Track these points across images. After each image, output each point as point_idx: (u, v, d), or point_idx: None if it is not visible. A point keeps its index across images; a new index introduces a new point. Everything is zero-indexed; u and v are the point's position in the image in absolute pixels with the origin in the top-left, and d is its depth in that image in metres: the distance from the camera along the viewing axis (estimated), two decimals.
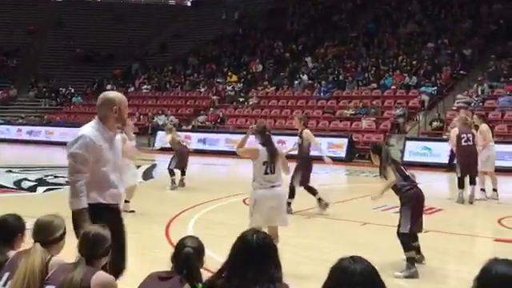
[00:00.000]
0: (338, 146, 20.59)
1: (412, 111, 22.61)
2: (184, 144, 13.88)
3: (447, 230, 9.25)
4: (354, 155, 20.59)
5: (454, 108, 21.12)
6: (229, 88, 28.78)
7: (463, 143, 11.41)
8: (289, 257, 7.15)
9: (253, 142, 6.82)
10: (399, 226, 6.77)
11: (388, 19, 30.08)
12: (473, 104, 21.28)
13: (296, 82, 27.26)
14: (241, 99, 27.35)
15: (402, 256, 7.02)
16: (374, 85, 24.90)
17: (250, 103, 26.63)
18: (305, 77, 27.33)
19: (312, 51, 29.72)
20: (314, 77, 27.30)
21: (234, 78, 29.69)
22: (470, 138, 11.41)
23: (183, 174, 13.58)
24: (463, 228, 9.33)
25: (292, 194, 10.07)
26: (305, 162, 10.35)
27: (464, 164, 11.43)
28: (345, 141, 20.79)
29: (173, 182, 13.30)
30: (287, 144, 21.71)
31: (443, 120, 20.66)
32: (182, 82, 31.50)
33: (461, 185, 11.58)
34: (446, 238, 8.80)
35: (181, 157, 13.51)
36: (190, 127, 25.85)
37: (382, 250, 7.68)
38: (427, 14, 29.02)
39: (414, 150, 19.32)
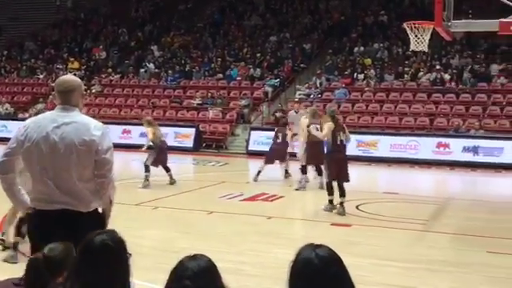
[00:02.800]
0: (186, 136, 20.62)
1: (256, 102, 23.27)
2: (163, 139, 12.77)
3: (289, 215, 9.67)
4: (201, 145, 20.76)
5: (296, 99, 22.10)
6: (70, 75, 27.48)
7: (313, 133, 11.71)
8: (135, 249, 7.04)
9: None
10: None
11: (233, 11, 30.59)
12: (312, 96, 22.44)
13: (142, 70, 26.78)
14: (82, 87, 26.24)
15: (246, 244, 7.21)
16: (221, 75, 25.25)
17: (93, 91, 25.69)
18: (151, 65, 26.94)
19: (158, 40, 29.36)
20: (160, 65, 27.00)
21: (76, 64, 28.38)
22: (319, 128, 11.75)
23: (168, 170, 12.43)
24: (303, 213, 9.80)
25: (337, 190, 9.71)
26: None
27: (313, 154, 11.80)
28: (192, 130, 20.87)
29: (146, 178, 12.02)
30: (132, 134, 21.47)
31: (285, 111, 21.52)
32: (18, 68, 29.46)
33: (304, 171, 12.16)
34: (288, 223, 9.20)
35: (162, 152, 12.30)
36: (27, 116, 24.29)
37: (227, 238, 7.83)
38: (270, 8, 29.97)
39: (258, 140, 19.92)
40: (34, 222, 3.84)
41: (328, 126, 9.77)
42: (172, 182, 12.37)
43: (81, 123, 3.80)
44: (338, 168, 9.61)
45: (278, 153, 13.05)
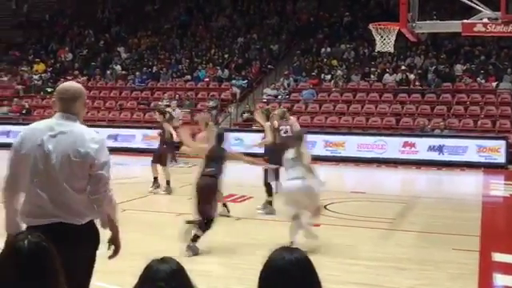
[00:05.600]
0: (154, 138, 20.41)
1: (224, 103, 23.27)
2: None
3: (258, 216, 9.70)
4: None
5: (264, 100, 22.17)
6: (35, 77, 27.05)
7: (283, 134, 11.57)
8: (103, 253, 6.96)
9: None
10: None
11: (200, 12, 30.54)
12: (280, 97, 22.54)
13: (108, 72, 26.53)
14: (49, 89, 25.88)
15: (214, 245, 7.21)
16: (188, 77, 25.18)
17: None
18: (118, 67, 26.70)
19: (125, 41, 29.12)
20: (127, 67, 26.79)
21: (42, 66, 27.97)
22: (289, 130, 11.09)
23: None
24: (274, 215, 9.81)
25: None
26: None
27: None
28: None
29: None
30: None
31: (253, 112, 21.57)
32: None
33: (276, 176, 11.97)
34: (257, 224, 9.23)
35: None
36: None
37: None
38: (237, 9, 30.00)
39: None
40: None
41: (269, 127, 9.76)
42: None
43: (78, 133, 3.56)
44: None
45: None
